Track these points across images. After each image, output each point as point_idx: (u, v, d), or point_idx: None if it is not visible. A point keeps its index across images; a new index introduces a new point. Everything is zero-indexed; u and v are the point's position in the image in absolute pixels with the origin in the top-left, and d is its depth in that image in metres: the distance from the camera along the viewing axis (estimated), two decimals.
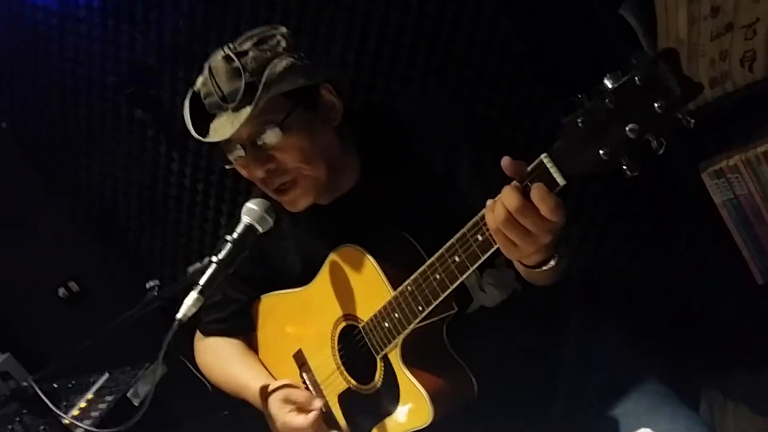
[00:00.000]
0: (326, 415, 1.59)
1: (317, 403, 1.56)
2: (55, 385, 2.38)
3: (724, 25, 1.61)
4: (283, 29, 1.48)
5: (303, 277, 1.63)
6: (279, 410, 1.59)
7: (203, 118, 1.45)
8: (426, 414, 1.41)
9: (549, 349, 1.60)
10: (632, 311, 2.16)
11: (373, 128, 1.58)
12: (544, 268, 1.25)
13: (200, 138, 1.43)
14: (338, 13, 2.17)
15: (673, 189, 1.95)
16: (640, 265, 2.20)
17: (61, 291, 2.79)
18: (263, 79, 1.36)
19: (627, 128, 0.98)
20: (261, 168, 1.45)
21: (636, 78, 0.96)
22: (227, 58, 1.41)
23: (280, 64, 1.39)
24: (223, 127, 1.40)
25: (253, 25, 2.15)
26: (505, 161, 1.13)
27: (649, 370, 1.57)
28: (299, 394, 1.60)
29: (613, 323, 1.71)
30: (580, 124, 1.03)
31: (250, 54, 1.40)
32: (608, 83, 0.98)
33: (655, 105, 0.96)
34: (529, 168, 1.12)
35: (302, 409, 1.57)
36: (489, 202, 1.17)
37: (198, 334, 1.86)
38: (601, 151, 1.02)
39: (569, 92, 1.05)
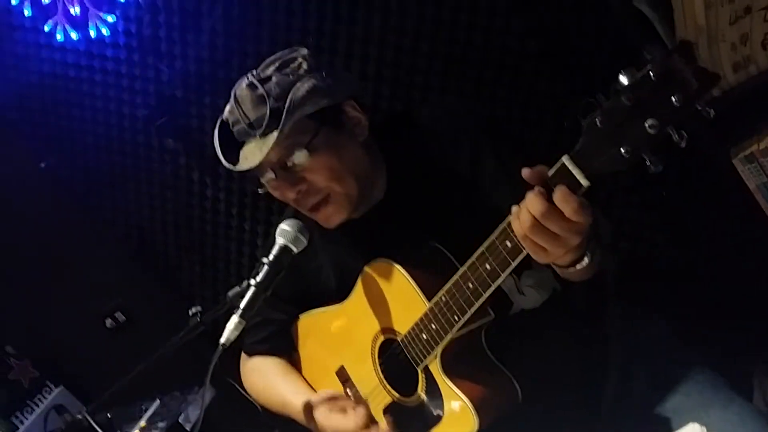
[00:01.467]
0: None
1: (361, 405, 1.57)
2: (109, 415, 2.43)
3: (743, 9, 1.60)
4: (304, 51, 1.50)
5: (339, 292, 1.65)
6: (326, 418, 1.60)
7: (233, 145, 1.48)
8: (471, 423, 1.40)
9: (593, 347, 1.59)
10: (675, 301, 2.13)
11: (396, 139, 1.59)
12: (578, 267, 1.24)
13: (231, 167, 1.46)
14: (354, 29, 2.20)
15: (706, 177, 1.93)
16: (679, 254, 2.17)
17: (108, 322, 2.85)
18: (287, 104, 1.38)
19: (647, 124, 0.98)
20: (292, 190, 1.47)
21: (651, 73, 0.96)
22: (251, 86, 1.44)
23: (303, 87, 1.41)
24: (252, 154, 1.43)
25: (273, 47, 2.21)
26: (525, 172, 1.12)
27: (698, 360, 1.55)
28: (342, 400, 1.61)
29: (657, 315, 1.69)
30: (599, 124, 1.03)
31: (273, 79, 1.43)
32: (624, 80, 0.98)
33: (673, 99, 0.95)
34: (551, 171, 1.11)
35: (348, 412, 1.58)
36: (514, 208, 1.16)
37: (243, 356, 1.89)
38: (622, 149, 1.02)
39: (588, 87, 1.05)
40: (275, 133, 1.39)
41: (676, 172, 1.98)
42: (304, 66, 1.46)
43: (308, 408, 1.65)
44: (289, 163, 1.45)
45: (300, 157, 1.44)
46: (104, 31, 2.44)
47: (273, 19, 2.26)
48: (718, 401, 1.45)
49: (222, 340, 1.40)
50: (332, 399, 1.63)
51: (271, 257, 1.47)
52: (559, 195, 1.08)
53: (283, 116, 1.38)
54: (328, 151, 1.46)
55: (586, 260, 1.23)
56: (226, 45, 2.34)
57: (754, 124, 1.71)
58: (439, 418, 1.47)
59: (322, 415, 1.62)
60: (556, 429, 1.50)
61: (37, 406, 2.78)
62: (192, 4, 2.32)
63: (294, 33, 2.25)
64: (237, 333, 1.41)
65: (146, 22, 2.39)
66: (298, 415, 1.68)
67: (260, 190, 1.54)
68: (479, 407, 1.40)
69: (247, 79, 1.46)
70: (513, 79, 2.12)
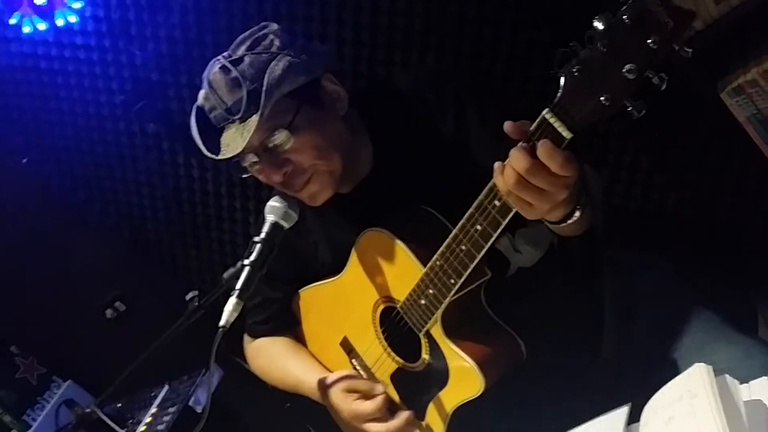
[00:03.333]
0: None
1: (380, 388, 1.56)
2: (119, 404, 2.44)
3: None
4: (274, 26, 1.46)
5: (335, 266, 1.63)
6: (344, 401, 1.59)
7: (212, 132, 1.44)
8: (477, 383, 1.40)
9: (593, 298, 1.58)
10: (675, 243, 2.13)
11: (378, 108, 1.56)
12: (569, 221, 1.23)
13: (214, 157, 1.42)
14: None
15: (695, 114, 1.90)
16: (675, 195, 2.16)
17: (109, 312, 2.84)
18: (264, 85, 1.34)
19: (624, 70, 0.96)
20: (278, 172, 1.44)
21: (624, 17, 0.93)
22: (224, 69, 1.39)
23: (278, 66, 1.36)
24: (234, 141, 1.39)
25: (246, 21, 2.18)
26: (507, 126, 1.10)
27: (701, 298, 1.54)
28: (361, 383, 1.59)
29: (658, 258, 1.68)
30: (576, 74, 1.00)
31: (246, 60, 1.39)
32: (598, 26, 0.96)
33: (649, 41, 0.93)
34: (532, 126, 1.09)
35: (366, 395, 1.57)
36: (497, 165, 1.14)
37: (246, 338, 1.88)
38: (602, 98, 1.00)
39: (571, 34, 1.02)
40: (255, 117, 1.35)
41: (665, 112, 1.96)
42: (276, 43, 1.41)
43: (323, 386, 1.64)
44: (270, 144, 1.42)
45: (282, 137, 1.41)
46: (72, 18, 2.37)
47: None
48: (723, 338, 1.44)
49: (221, 322, 1.38)
50: (347, 378, 1.61)
51: (262, 235, 1.45)
52: (543, 150, 1.06)
53: (262, 98, 1.34)
54: (310, 129, 1.42)
55: (577, 214, 1.21)
56: (198, 22, 2.28)
57: (739, 56, 1.68)
58: (445, 381, 1.47)
59: (338, 399, 1.60)
60: (559, 381, 1.51)
61: (47, 402, 2.78)
62: None
63: (266, 4, 2.19)
64: (236, 314, 1.40)
65: (114, 5, 2.33)
66: (312, 393, 1.68)
67: (244, 176, 1.50)
68: (484, 367, 1.39)
69: (219, 62, 1.41)
70: (494, 32, 2.07)
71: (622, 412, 1.13)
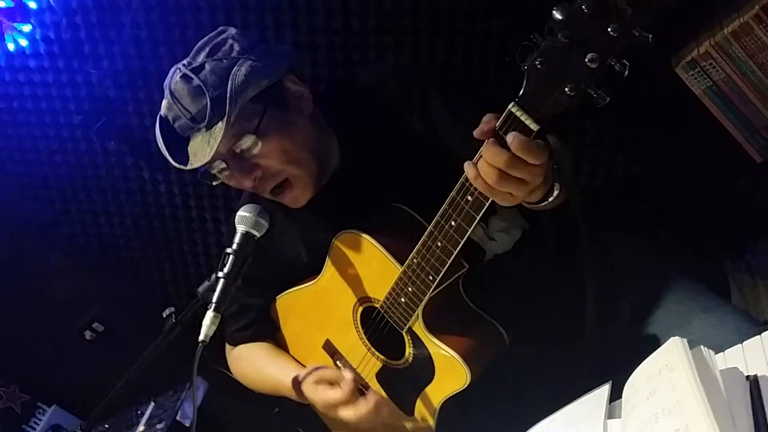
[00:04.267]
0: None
1: (347, 374, 1.54)
2: (107, 425, 2.42)
3: None
4: (232, 30, 1.45)
5: (311, 266, 1.63)
6: (314, 392, 1.59)
7: (178, 142, 1.43)
8: (463, 376, 1.41)
9: (571, 278, 1.59)
10: (645, 218, 2.15)
11: (342, 104, 1.56)
12: (550, 199, 1.25)
13: (182, 167, 1.41)
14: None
15: (651, 90, 1.93)
16: (640, 171, 2.18)
17: (88, 334, 2.82)
18: (228, 92, 1.33)
19: (586, 59, 0.97)
20: (248, 178, 1.44)
21: (583, 6, 0.94)
22: (185, 78, 1.38)
23: (241, 71, 1.36)
24: (201, 150, 1.38)
25: (199, 31, 2.16)
26: (477, 133, 1.12)
27: (675, 272, 1.57)
28: (328, 372, 1.59)
29: (629, 234, 1.70)
30: (539, 66, 1.01)
31: (207, 67, 1.38)
32: (557, 16, 0.96)
33: (609, 29, 0.94)
34: (499, 121, 1.10)
35: (334, 384, 1.57)
36: (468, 166, 1.15)
37: (227, 347, 1.88)
38: (566, 88, 1.01)
39: (525, 20, 1.03)
40: (221, 124, 1.34)
41: (621, 92, 1.98)
42: (236, 47, 1.41)
43: (297, 383, 1.64)
44: (237, 150, 1.41)
45: (249, 142, 1.40)
46: (22, 42, 2.33)
47: (193, 1, 2.18)
48: (698, 308, 1.47)
49: (201, 337, 1.38)
50: (317, 371, 1.62)
51: (234, 246, 1.45)
52: (516, 145, 1.07)
53: (227, 106, 1.33)
54: (277, 132, 1.42)
55: (555, 192, 1.23)
56: (151, 36, 2.25)
57: (691, 29, 1.71)
58: (431, 376, 1.48)
59: (309, 390, 1.61)
60: (544, 365, 1.52)
61: (34, 429, 2.76)
62: (107, 0, 2.23)
63: (219, 14, 2.17)
64: (214, 327, 1.40)
65: (64, 25, 2.29)
66: (291, 393, 1.68)
67: (214, 183, 1.50)
68: (468, 359, 1.41)
69: (180, 70, 1.40)
70: (449, 22, 2.07)
71: (603, 390, 1.14)
